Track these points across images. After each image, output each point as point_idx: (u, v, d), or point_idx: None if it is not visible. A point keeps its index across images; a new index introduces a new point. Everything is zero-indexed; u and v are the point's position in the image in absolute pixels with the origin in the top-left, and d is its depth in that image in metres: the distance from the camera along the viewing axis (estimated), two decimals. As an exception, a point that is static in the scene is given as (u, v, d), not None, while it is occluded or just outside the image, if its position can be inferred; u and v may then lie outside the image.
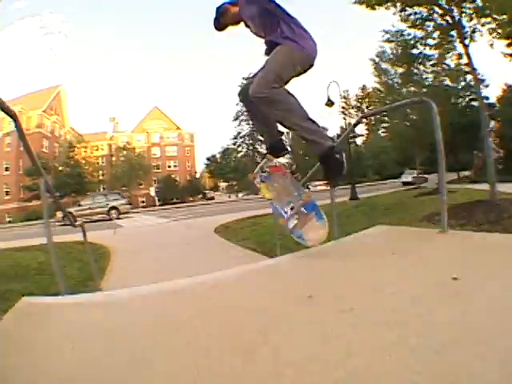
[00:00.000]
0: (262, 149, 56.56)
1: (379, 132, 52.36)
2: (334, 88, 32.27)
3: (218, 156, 65.91)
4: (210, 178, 71.59)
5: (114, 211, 27.87)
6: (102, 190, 55.22)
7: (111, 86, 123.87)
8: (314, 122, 2.77)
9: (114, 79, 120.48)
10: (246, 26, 3.14)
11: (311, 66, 2.91)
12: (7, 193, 48.48)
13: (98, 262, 7.94)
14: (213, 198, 60.62)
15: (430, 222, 7.38)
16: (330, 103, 22.72)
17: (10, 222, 43.92)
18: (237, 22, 3.16)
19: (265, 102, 2.71)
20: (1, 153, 48.65)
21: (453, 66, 18.06)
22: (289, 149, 3.36)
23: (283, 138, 3.38)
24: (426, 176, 28.30)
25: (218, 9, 3.08)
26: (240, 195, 57.17)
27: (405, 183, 31.25)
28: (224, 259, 7.40)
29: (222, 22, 3.12)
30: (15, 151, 47.68)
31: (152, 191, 48.15)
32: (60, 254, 8.32)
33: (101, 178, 57.17)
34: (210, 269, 5.38)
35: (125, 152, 55.64)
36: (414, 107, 21.21)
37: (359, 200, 17.70)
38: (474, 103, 25.89)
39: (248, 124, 59.84)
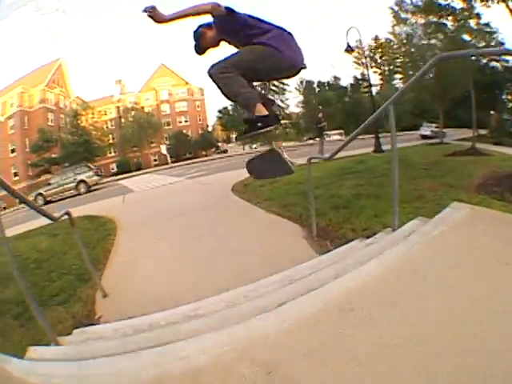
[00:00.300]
0: (275, 99, 56.03)
1: (393, 82, 51.51)
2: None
3: (229, 108, 64.57)
4: (222, 131, 70.65)
5: (82, 185, 26.71)
6: (112, 153, 55.96)
7: (114, 50, 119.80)
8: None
9: (116, 43, 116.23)
10: (229, 43, 3.38)
11: (294, 74, 3.33)
12: (16, 174, 47.69)
13: (102, 243, 7.04)
14: (226, 151, 59.71)
15: (489, 195, 6.08)
16: (349, 49, 21.41)
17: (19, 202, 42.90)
18: (217, 44, 3.40)
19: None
20: (5, 136, 47.75)
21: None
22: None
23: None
24: (444, 131, 26.63)
25: (195, 33, 3.35)
26: (254, 146, 55.50)
27: (423, 136, 29.28)
28: (247, 229, 6.32)
29: (201, 46, 3.38)
30: (19, 131, 47.46)
31: (163, 149, 47.07)
32: (61, 237, 7.30)
33: (111, 141, 56.26)
34: (233, 246, 5.51)
35: (133, 112, 54.77)
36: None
37: (385, 153, 15.51)
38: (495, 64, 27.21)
39: None
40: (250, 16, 3.14)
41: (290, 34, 3.15)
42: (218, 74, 3.05)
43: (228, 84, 3.09)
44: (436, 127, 27.98)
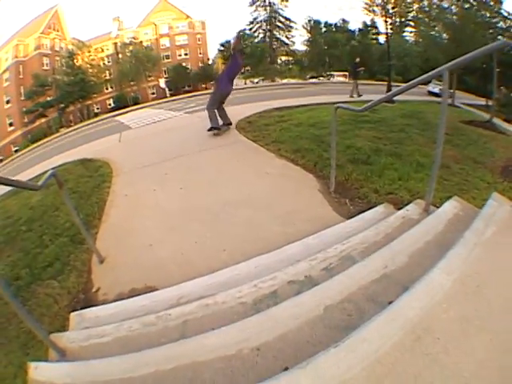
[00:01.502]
0: (280, 35, 58.80)
1: (404, 34, 51.40)
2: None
3: (232, 41, 62.11)
4: (223, 64, 69.66)
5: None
6: (109, 89, 55.05)
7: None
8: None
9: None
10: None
11: None
12: (11, 124, 47.52)
13: (97, 192, 6.51)
14: None
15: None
16: None
17: (16, 151, 43.36)
18: None
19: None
20: (1, 89, 46.94)
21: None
22: None
23: None
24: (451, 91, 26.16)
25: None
26: (255, 80, 55.18)
27: (431, 93, 28.04)
28: (257, 177, 5.82)
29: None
30: (14, 81, 46.76)
31: (162, 82, 46.15)
32: (53, 189, 6.87)
33: (107, 77, 55.26)
34: (243, 196, 5.13)
35: (131, 47, 53.90)
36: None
37: (395, 104, 14.81)
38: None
39: (265, 10, 58.93)
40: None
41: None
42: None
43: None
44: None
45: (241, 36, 11.44)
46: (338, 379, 1.49)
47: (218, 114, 8.98)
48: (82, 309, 3.26)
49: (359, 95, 18.56)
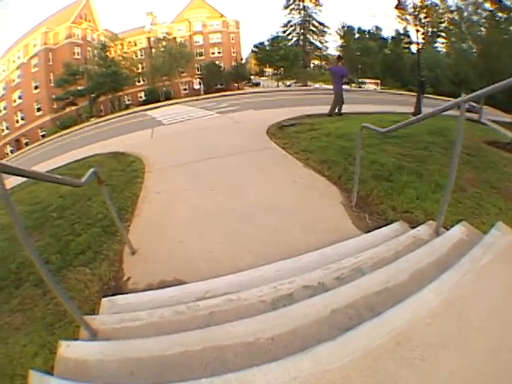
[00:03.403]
0: (314, 39, 57.78)
1: (436, 45, 50.22)
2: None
3: (266, 44, 62.18)
4: (256, 65, 69.60)
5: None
6: (141, 82, 55.14)
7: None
8: None
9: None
10: None
11: None
12: (39, 109, 47.77)
13: (130, 187, 6.78)
14: (258, 84, 60.43)
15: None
16: (400, 7, 22.28)
17: (43, 135, 44.20)
18: None
19: None
20: (29, 75, 47.39)
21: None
22: None
23: None
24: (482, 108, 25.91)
25: None
26: (288, 83, 55.52)
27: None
28: (286, 185, 6.03)
29: None
30: (43, 67, 47.09)
31: (196, 83, 46.31)
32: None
33: (140, 70, 55.49)
34: (271, 203, 5.30)
35: (164, 43, 53.80)
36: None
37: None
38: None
39: (299, 13, 58.34)
40: None
41: None
42: None
43: None
44: (475, 102, 27.38)
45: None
46: (332, 365, 1.80)
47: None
48: (112, 295, 3.44)
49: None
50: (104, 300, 3.30)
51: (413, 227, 3.87)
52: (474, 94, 3.04)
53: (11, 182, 8.29)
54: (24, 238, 2.15)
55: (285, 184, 6.02)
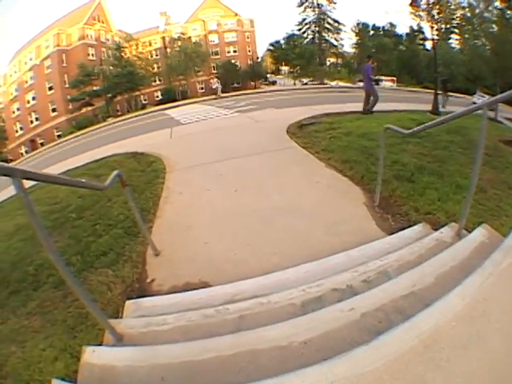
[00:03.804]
0: (329, 37, 58.06)
1: (449, 41, 49.69)
2: None
3: (282, 42, 63.24)
4: (272, 63, 69.45)
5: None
6: (157, 82, 55.70)
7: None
8: None
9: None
10: None
11: None
12: (54, 110, 48.60)
13: (151, 187, 6.78)
14: (275, 83, 61.47)
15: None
16: (415, 4, 22.41)
17: (59, 136, 44.98)
18: None
19: None
20: (42, 76, 48.20)
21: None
22: None
23: None
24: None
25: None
26: (305, 81, 55.94)
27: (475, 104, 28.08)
28: (308, 185, 6.02)
29: None
30: (57, 69, 47.96)
31: (214, 83, 46.22)
32: (103, 179, 7.35)
33: (155, 70, 56.03)
34: (294, 204, 5.28)
35: (179, 42, 54.15)
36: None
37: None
38: None
39: (314, 11, 58.45)
40: None
41: None
42: None
43: None
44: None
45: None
46: (366, 369, 1.85)
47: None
48: (136, 298, 3.41)
49: (443, 107, 19.27)
50: (129, 302, 3.30)
51: (435, 229, 3.89)
52: (497, 97, 3.06)
53: (29, 181, 8.33)
54: (44, 238, 2.09)
55: (307, 184, 6.01)
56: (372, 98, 13.35)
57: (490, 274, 2.49)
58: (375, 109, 13.40)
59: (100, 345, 2.64)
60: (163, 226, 5.16)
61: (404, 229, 4.12)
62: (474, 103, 25.42)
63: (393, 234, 4.09)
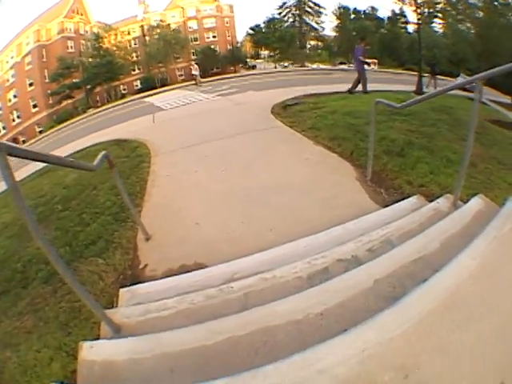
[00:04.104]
0: (310, 20, 57.67)
1: (432, 25, 49.81)
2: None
3: (262, 26, 62.57)
4: (252, 48, 69.13)
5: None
6: (136, 71, 54.89)
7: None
8: None
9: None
10: None
11: None
12: (35, 106, 47.70)
13: (137, 172, 6.61)
14: (255, 67, 60.12)
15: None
16: None
17: (41, 131, 44.05)
18: None
19: None
20: (23, 73, 47.30)
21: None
22: None
23: None
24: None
25: None
26: (286, 64, 56.15)
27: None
28: (297, 162, 5.98)
29: None
30: (37, 64, 47.04)
31: (194, 70, 45.80)
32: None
33: (134, 59, 55.02)
34: (284, 181, 5.22)
35: (158, 30, 53.74)
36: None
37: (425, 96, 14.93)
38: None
39: None
40: None
41: None
42: None
43: None
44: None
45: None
46: (394, 333, 1.84)
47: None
48: (130, 285, 3.29)
49: (427, 87, 20.01)
50: (123, 291, 3.17)
51: (430, 201, 3.91)
52: (489, 72, 3.06)
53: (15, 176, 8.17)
54: (32, 225, 1.95)
55: (297, 161, 5.97)
56: (361, 78, 13.60)
57: (494, 237, 2.53)
58: (357, 90, 13.46)
59: (97, 339, 2.50)
60: (152, 209, 5.03)
61: (398, 201, 4.13)
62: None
63: (387, 206, 4.08)
